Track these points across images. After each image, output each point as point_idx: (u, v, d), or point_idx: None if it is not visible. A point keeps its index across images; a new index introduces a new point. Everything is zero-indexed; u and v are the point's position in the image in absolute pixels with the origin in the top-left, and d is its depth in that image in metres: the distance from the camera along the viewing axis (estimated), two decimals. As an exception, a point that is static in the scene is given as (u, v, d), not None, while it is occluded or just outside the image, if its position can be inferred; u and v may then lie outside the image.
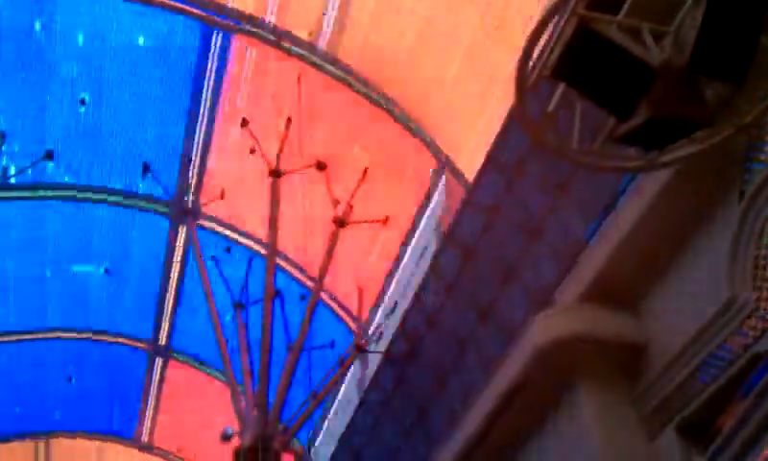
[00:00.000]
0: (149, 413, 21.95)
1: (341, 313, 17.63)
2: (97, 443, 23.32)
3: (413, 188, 15.35)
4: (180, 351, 20.33)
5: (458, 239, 9.65)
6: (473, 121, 13.44)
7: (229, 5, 14.44)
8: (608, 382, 6.88)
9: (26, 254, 18.36)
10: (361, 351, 15.47)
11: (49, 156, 15.75)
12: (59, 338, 20.21)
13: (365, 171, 15.11)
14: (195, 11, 14.38)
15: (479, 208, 9.13)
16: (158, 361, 20.66)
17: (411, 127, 14.69)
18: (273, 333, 14.32)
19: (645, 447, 6.55)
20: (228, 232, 17.72)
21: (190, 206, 16.67)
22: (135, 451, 23.15)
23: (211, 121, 15.79)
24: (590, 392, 6.95)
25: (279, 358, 14.45)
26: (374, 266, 16.70)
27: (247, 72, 15.49)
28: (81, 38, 14.96)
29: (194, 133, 16.11)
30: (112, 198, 17.31)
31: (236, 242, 17.70)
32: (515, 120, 7.63)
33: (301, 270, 17.31)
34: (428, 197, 14.95)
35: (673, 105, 4.93)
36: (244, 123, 15.18)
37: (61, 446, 23.41)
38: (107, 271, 19.04)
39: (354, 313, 17.05)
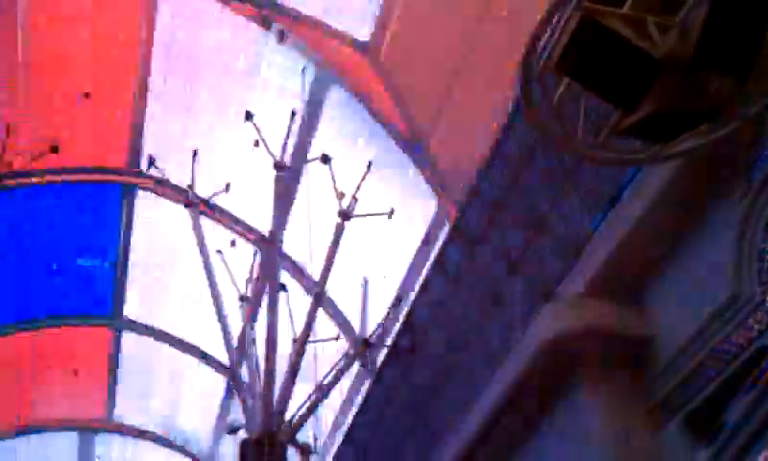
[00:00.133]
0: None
1: (346, 307, 17.63)
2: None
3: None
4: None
5: (463, 232, 9.64)
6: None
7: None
8: (612, 375, 6.88)
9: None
10: (366, 345, 15.47)
11: (54, 148, 15.76)
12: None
13: (369, 164, 15.08)
14: None
15: (484, 201, 9.12)
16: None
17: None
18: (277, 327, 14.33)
19: (650, 439, 6.55)
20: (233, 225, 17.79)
21: (195, 198, 16.66)
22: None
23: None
24: (595, 385, 6.95)
25: (284, 352, 14.47)
26: (379, 259, 16.69)
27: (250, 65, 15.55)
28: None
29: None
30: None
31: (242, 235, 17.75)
32: (519, 112, 7.62)
33: (306, 263, 17.31)
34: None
35: (678, 98, 4.92)
36: (248, 116, 15.15)
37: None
38: (111, 264, 19.14)
39: (359, 307, 17.05)
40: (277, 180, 15.02)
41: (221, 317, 15.43)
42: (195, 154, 16.44)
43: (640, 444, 6.55)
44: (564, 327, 6.92)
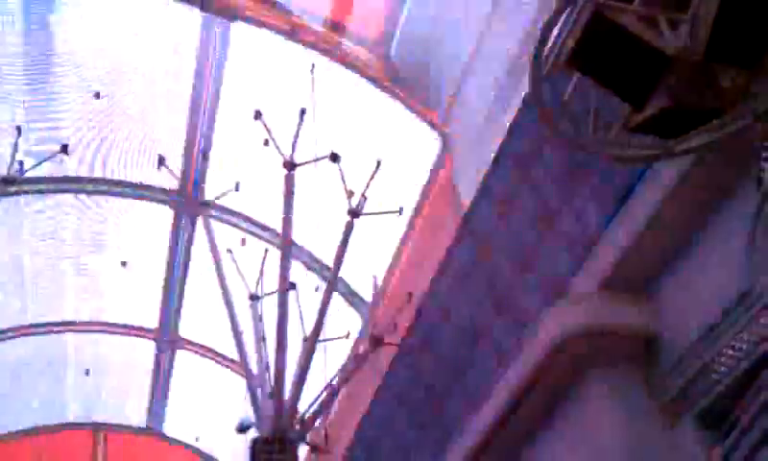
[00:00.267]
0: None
1: (356, 304, 17.63)
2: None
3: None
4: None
5: (473, 230, 9.62)
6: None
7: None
8: (624, 372, 6.87)
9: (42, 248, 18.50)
10: (377, 342, 15.45)
11: (64, 149, 15.78)
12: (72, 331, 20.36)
13: (378, 162, 15.07)
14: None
15: (494, 199, 9.10)
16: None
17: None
18: (287, 325, 14.32)
19: (663, 435, 6.53)
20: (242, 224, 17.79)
21: (205, 198, 16.67)
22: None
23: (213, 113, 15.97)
24: (607, 381, 6.94)
25: (294, 350, 14.46)
26: (389, 257, 16.68)
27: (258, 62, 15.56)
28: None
29: (204, 124, 16.21)
30: (126, 191, 17.46)
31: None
32: (530, 109, 7.60)
33: (316, 261, 17.31)
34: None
35: (689, 93, 4.90)
36: (257, 115, 15.15)
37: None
38: (123, 264, 19.14)
39: (369, 304, 17.03)
40: (287, 178, 15.02)
41: (231, 315, 15.43)
42: (205, 155, 16.47)
43: (653, 439, 6.53)
44: (575, 325, 6.91)
